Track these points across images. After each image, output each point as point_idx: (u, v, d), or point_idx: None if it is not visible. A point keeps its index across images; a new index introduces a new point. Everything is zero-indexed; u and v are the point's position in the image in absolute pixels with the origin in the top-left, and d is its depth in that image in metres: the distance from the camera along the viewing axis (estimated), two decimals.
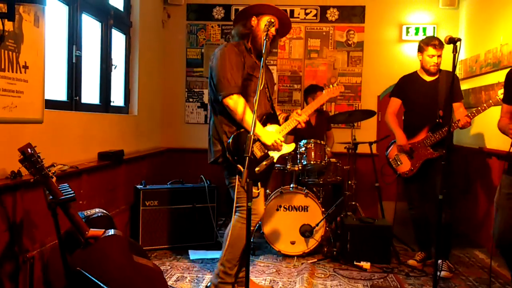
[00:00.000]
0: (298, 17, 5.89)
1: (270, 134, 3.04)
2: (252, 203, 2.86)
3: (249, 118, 2.91)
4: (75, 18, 3.70)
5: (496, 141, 4.32)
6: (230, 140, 2.99)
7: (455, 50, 2.99)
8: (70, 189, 2.58)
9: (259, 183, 3.03)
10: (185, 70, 6.02)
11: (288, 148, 3.18)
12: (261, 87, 2.59)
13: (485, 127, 4.52)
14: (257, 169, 2.90)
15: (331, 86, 3.40)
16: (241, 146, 2.93)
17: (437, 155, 3.84)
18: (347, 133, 5.04)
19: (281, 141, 3.07)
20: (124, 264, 2.62)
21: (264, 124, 3.09)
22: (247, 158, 2.36)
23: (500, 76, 4.23)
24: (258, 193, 3.02)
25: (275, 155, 3.09)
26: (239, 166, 2.91)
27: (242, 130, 2.99)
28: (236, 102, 2.93)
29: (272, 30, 3.06)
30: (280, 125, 3.19)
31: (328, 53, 5.89)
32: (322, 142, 4.54)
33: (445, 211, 3.34)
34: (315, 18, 5.89)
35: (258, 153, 3.03)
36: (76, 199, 2.58)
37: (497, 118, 4.27)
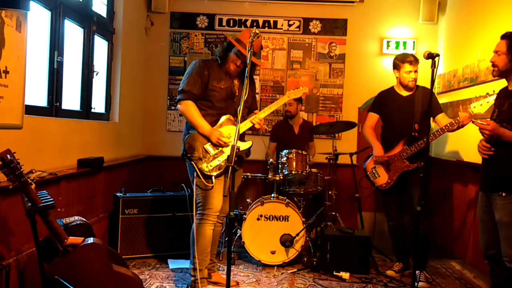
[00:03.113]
0: (282, 29, 5.95)
1: (216, 132, 3.32)
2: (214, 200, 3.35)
3: (199, 121, 3.33)
4: (58, 23, 3.67)
5: (472, 154, 4.40)
6: (185, 141, 3.36)
7: (433, 65, 3.06)
8: (49, 196, 2.55)
9: (213, 177, 3.31)
10: (167, 78, 6.02)
11: (243, 145, 3.44)
12: (245, 97, 2.74)
13: (462, 140, 4.61)
14: (211, 164, 3.30)
15: (293, 90, 3.60)
16: (193, 145, 3.32)
17: (413, 167, 3.90)
18: (328, 144, 5.09)
19: (224, 141, 3.30)
20: (103, 273, 2.59)
21: (221, 125, 3.40)
22: (231, 167, 2.37)
23: (477, 91, 4.33)
24: (212, 186, 3.31)
25: (228, 151, 3.30)
26: (193, 163, 3.29)
27: (194, 132, 3.37)
28: (185, 107, 3.38)
29: (238, 63, 3.42)
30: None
31: (311, 65, 5.95)
32: (304, 152, 4.57)
33: (422, 223, 3.39)
34: (298, 29, 5.96)
35: (212, 151, 3.33)
36: (55, 207, 2.54)
37: (474, 132, 4.36)
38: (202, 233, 3.38)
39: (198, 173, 3.27)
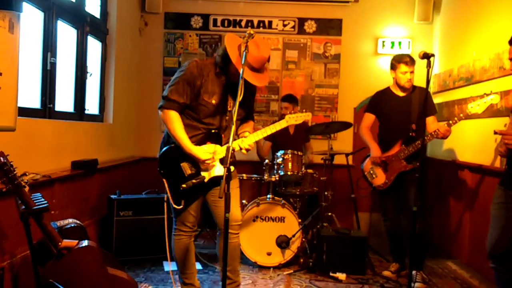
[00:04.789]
0: (276, 29, 5.93)
1: (204, 151, 2.96)
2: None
3: (181, 137, 2.93)
4: (51, 24, 3.64)
5: (468, 154, 4.41)
6: (161, 155, 3.04)
7: (428, 65, 3.06)
8: (43, 199, 2.53)
9: (182, 201, 3.02)
10: (162, 79, 5.99)
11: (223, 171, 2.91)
12: (240, 98, 2.56)
13: (458, 140, 4.61)
14: (183, 185, 2.96)
15: (294, 114, 3.19)
16: (169, 160, 3.01)
17: (410, 167, 3.89)
18: (323, 144, 5.08)
19: (211, 162, 2.96)
20: (98, 276, 2.57)
21: (203, 143, 3.02)
22: (226, 169, 2.34)
23: (473, 91, 4.33)
24: (181, 207, 3.03)
25: (206, 175, 3.00)
26: (164, 180, 3.01)
27: (174, 145, 3.01)
28: (165, 116, 2.97)
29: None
30: (221, 145, 3.05)
31: (306, 65, 5.94)
32: (300, 153, 4.55)
33: (418, 223, 3.38)
34: (293, 29, 5.94)
35: (188, 171, 3.00)
36: (49, 209, 2.52)
37: (470, 132, 4.39)
38: (184, 248, 3.21)
39: (168, 193, 3.01)
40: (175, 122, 2.96)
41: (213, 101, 3.00)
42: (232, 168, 3.00)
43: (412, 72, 3.96)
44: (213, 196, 3.14)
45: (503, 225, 2.91)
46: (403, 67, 3.94)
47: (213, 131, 3.05)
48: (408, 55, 4.03)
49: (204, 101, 2.99)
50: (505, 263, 2.88)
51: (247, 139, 2.98)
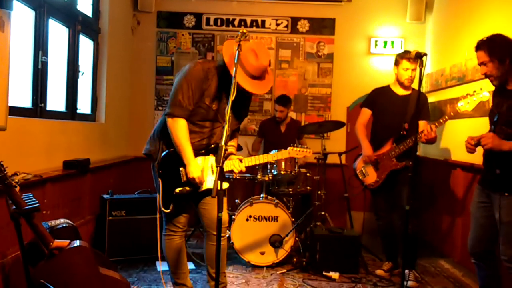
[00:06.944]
0: (270, 28, 5.93)
1: (198, 168, 2.92)
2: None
3: (184, 146, 2.88)
4: (42, 23, 3.62)
5: (460, 153, 4.42)
6: (163, 157, 2.99)
7: (421, 65, 3.06)
8: (34, 199, 2.51)
9: (171, 204, 3.00)
10: (154, 78, 5.96)
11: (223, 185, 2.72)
12: (232, 97, 2.54)
13: (451, 139, 4.63)
14: (177, 190, 2.95)
15: (297, 148, 3.24)
16: (170, 162, 2.96)
17: (401, 166, 3.90)
18: (316, 144, 5.08)
19: (197, 181, 2.91)
20: (90, 276, 2.55)
21: (208, 153, 3.00)
22: (219, 168, 2.33)
23: (465, 90, 4.33)
24: (170, 211, 3.01)
25: (203, 185, 2.98)
26: (160, 180, 2.98)
27: (173, 149, 2.96)
28: (175, 124, 2.90)
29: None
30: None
31: (299, 64, 5.94)
32: None
33: (411, 222, 3.38)
34: (286, 29, 5.94)
35: (185, 177, 2.96)
36: (40, 209, 2.50)
37: (462, 131, 4.41)
38: (175, 248, 3.20)
39: (160, 194, 2.99)
40: (183, 131, 2.90)
41: (214, 106, 2.97)
42: (227, 184, 3.03)
43: (414, 69, 3.94)
44: (201, 199, 3.12)
45: (481, 224, 2.96)
46: (405, 63, 3.93)
47: (213, 145, 3.02)
48: (413, 52, 4.00)
49: (205, 105, 2.95)
50: (486, 260, 2.95)
51: (243, 164, 3.01)
